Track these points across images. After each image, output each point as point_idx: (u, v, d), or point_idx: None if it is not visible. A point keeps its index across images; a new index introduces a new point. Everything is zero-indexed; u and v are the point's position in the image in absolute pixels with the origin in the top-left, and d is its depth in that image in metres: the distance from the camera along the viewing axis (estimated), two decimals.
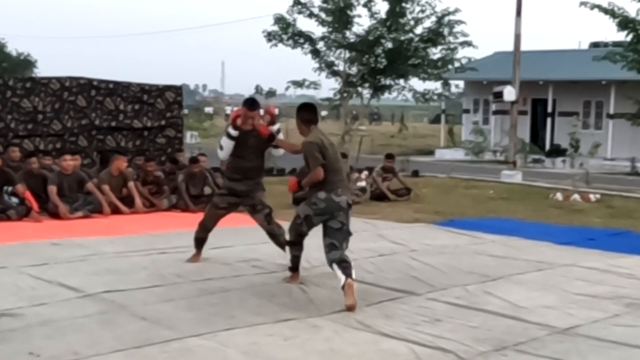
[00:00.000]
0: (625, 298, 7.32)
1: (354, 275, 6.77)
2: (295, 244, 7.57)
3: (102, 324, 6.01)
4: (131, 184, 12.61)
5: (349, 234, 7.21)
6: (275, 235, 8.40)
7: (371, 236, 10.26)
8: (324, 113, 67.63)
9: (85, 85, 14.99)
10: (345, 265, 6.82)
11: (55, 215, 11.61)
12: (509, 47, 24.08)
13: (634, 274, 8.45)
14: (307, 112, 7.47)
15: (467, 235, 10.76)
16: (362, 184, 16.49)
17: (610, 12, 16.05)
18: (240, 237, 10.12)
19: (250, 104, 8.28)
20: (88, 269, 7.93)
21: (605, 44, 38.38)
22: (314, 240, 9.90)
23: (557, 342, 5.91)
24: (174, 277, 7.66)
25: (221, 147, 8.29)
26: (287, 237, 7.66)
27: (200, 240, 8.65)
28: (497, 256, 9.28)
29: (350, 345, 5.69)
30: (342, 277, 6.72)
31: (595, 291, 7.57)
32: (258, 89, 63.18)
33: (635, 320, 6.60)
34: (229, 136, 8.16)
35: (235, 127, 8.14)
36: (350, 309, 6.54)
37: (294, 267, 7.67)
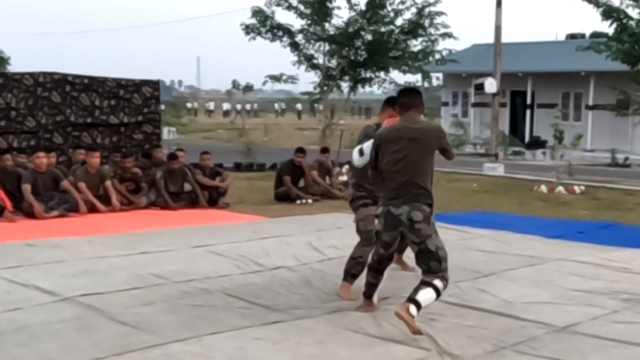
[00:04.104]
0: (622, 293, 7.12)
1: (419, 297, 5.68)
2: (373, 270, 6.36)
3: (79, 330, 5.73)
4: (108, 182, 12.26)
5: (431, 251, 5.83)
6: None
7: None
8: (299, 107, 67.69)
9: (59, 81, 14.58)
10: (417, 286, 5.76)
11: (30, 214, 11.24)
12: (487, 39, 23.97)
13: (629, 267, 8.25)
14: (403, 96, 6.20)
15: (455, 230, 10.49)
16: (344, 178, 16.25)
17: (594, 1, 15.90)
18: (221, 235, 9.85)
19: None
20: (64, 271, 7.60)
21: (582, 36, 38.44)
22: (301, 238, 9.72)
23: (556, 341, 5.69)
24: (154, 279, 7.35)
25: (362, 154, 6.77)
26: (369, 259, 6.48)
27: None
28: (488, 251, 9.06)
29: (343, 348, 5.44)
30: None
31: (591, 286, 7.36)
32: (235, 84, 62.76)
33: (635, 316, 6.40)
34: None
35: None
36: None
37: (366, 294, 6.46)
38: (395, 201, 5.90)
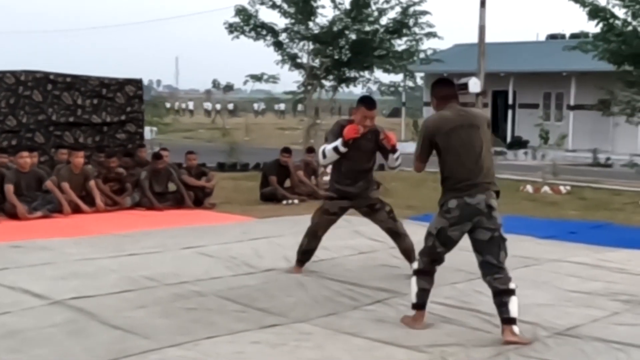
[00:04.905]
0: (621, 294, 7.03)
1: (513, 313, 5.61)
2: (425, 274, 5.96)
3: (71, 334, 5.55)
4: (92, 183, 12.05)
5: (504, 239, 5.84)
6: (400, 235, 7.67)
7: (348, 233, 9.83)
8: (282, 107, 67.50)
9: (41, 79, 14.33)
10: (500, 302, 5.66)
11: (12, 215, 11.01)
12: (468, 39, 23.93)
13: (625, 268, 8.18)
14: (443, 87, 6.01)
15: None
16: (328, 178, 16.12)
17: (580, 1, 15.88)
18: (211, 236, 9.69)
19: (369, 102, 7.50)
20: (53, 273, 7.41)
21: (563, 36, 38.55)
22: (291, 239, 9.57)
23: (560, 344, 5.59)
24: (145, 281, 7.17)
25: (324, 156, 7.45)
26: (415, 265, 6.05)
27: (309, 253, 7.86)
28: None
29: (343, 352, 5.30)
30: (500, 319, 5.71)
31: (589, 288, 7.27)
32: (215, 84, 62.43)
33: (636, 318, 6.31)
34: (337, 151, 7.31)
35: (347, 144, 7.26)
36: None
37: (419, 304, 5.97)
38: (469, 192, 5.73)
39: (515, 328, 5.61)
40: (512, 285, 5.69)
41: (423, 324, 5.95)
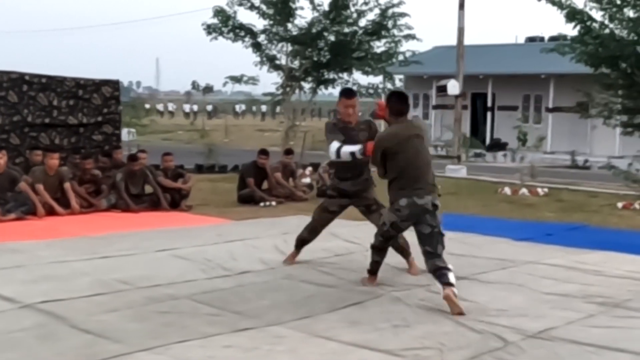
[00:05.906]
0: (596, 297, 7.01)
1: (452, 280, 6.51)
2: (379, 250, 7.22)
3: (41, 339, 5.46)
4: (67, 185, 11.92)
5: (442, 235, 6.80)
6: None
7: (323, 235, 9.59)
8: (263, 108, 67.41)
9: (16, 80, 14.20)
10: (440, 273, 6.55)
11: None
12: (448, 41, 23.94)
13: (601, 270, 8.15)
14: (397, 102, 6.96)
15: None
16: (307, 180, 16.10)
17: (557, 3, 15.91)
18: (186, 238, 9.61)
19: (347, 92, 8.08)
20: (24, 277, 7.31)
21: (541, 39, 38.73)
22: (267, 241, 9.53)
23: (534, 347, 5.54)
24: (118, 284, 7.09)
25: (338, 156, 7.57)
26: (372, 241, 7.24)
27: (304, 242, 8.31)
28: (457, 254, 8.87)
29: (316, 356, 5.24)
30: (440, 288, 6.51)
31: (564, 290, 7.25)
32: (195, 85, 62.29)
33: (611, 320, 6.28)
34: (353, 157, 7.46)
35: (364, 154, 7.33)
36: (459, 314, 6.30)
37: (373, 270, 7.32)
38: (418, 191, 6.72)
39: (455, 290, 6.47)
40: (450, 266, 6.61)
41: (375, 283, 7.25)
